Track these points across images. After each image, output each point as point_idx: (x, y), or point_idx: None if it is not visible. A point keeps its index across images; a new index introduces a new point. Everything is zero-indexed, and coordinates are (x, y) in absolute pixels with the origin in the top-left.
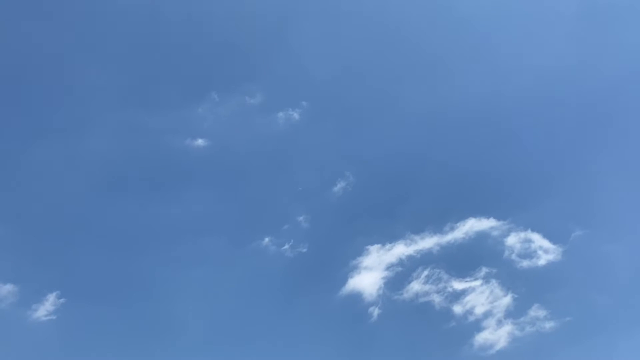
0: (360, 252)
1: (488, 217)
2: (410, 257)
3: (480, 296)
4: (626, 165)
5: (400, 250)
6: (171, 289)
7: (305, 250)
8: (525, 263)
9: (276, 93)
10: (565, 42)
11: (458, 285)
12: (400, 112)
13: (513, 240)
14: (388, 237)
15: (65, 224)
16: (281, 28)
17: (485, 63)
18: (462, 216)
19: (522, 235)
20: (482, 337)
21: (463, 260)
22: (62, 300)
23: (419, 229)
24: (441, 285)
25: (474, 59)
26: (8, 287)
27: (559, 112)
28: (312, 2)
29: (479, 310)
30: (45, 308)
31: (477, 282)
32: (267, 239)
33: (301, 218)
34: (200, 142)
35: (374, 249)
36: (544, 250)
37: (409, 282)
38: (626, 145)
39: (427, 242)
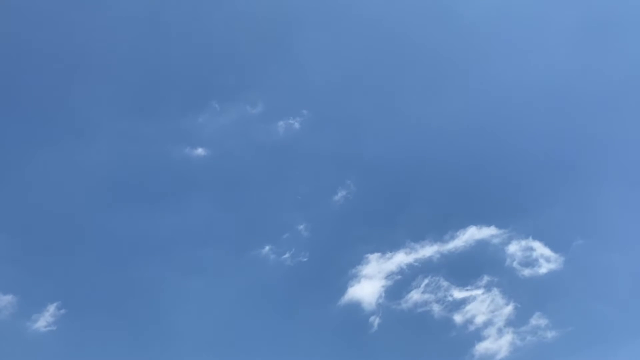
0: (360, 260)
1: (489, 225)
2: (410, 266)
3: (481, 305)
4: (628, 174)
5: (401, 258)
6: (172, 298)
7: (305, 259)
8: (526, 271)
9: (277, 102)
10: (567, 49)
11: (459, 294)
12: (401, 120)
13: (514, 248)
14: (388, 246)
15: (65, 234)
16: (282, 37)
17: (485, 71)
18: (463, 224)
19: (523, 243)
20: (483, 347)
21: (464, 268)
22: (62, 311)
23: (419, 237)
24: (442, 294)
25: (474, 67)
26: (8, 298)
27: (560, 120)
28: (312, 11)
29: (480, 320)
30: (45, 319)
31: (479, 291)
32: (267, 248)
33: (301, 227)
34: (200, 151)
35: (373, 257)
36: (545, 259)
37: (409, 291)
38: (628, 154)
39: (428, 251)
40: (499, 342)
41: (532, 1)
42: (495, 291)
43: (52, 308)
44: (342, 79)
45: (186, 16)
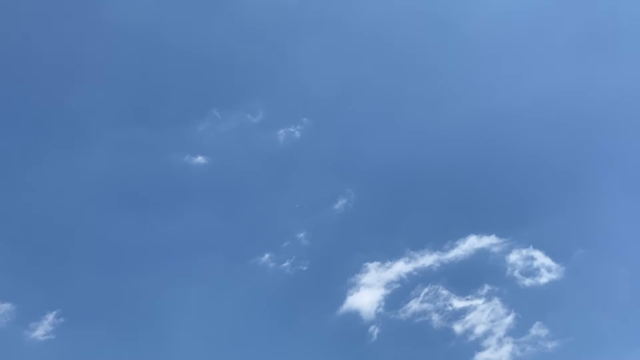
0: (359, 269)
1: (489, 234)
2: (410, 275)
3: (481, 315)
4: (629, 184)
5: (400, 267)
6: (171, 307)
7: (305, 267)
8: (527, 281)
9: (277, 110)
10: (570, 59)
11: (459, 303)
12: (402, 128)
13: (515, 257)
14: (388, 255)
15: (65, 242)
16: (283, 45)
17: (486, 80)
18: (463, 233)
19: (524, 252)
20: (482, 357)
21: (464, 278)
22: (61, 319)
23: (419, 246)
24: (441, 304)
25: (475, 76)
26: (6, 306)
27: (561, 129)
28: (313, 20)
29: (480, 330)
30: (44, 327)
31: (479, 301)
32: (267, 256)
33: (301, 235)
34: (200, 159)
35: (373, 266)
36: (547, 269)
37: (409, 301)
38: (630, 163)
39: (428, 260)
40: (499, 353)
41: (534, 10)
42: (496, 301)
43: (50, 317)
44: (343, 87)
45: (187, 24)
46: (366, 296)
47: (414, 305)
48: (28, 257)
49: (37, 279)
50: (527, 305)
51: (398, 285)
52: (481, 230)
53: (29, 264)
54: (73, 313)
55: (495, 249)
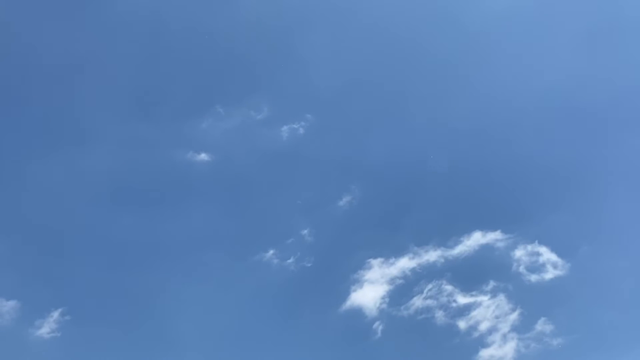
0: (362, 265)
1: (494, 230)
2: (414, 271)
3: (486, 311)
4: (634, 181)
5: (404, 264)
6: (176, 303)
7: (309, 264)
8: (533, 277)
9: (281, 107)
10: (574, 55)
11: (463, 299)
12: (405, 124)
13: (520, 253)
14: (392, 251)
15: (70, 239)
16: (287, 42)
17: (491, 76)
18: (468, 229)
19: (530, 248)
20: (487, 354)
21: (469, 274)
22: (66, 317)
23: (423, 242)
24: (445, 300)
25: (480, 72)
26: (11, 303)
27: (568, 126)
28: (318, 15)
29: (484, 326)
30: (49, 325)
31: (484, 297)
32: (271, 252)
33: (305, 232)
34: (203, 155)
35: (376, 262)
36: (552, 264)
37: (413, 297)
38: (635, 160)
39: (432, 256)
40: (503, 349)
41: (539, 6)
42: (501, 297)
43: (56, 314)
44: (346, 83)
45: (190, 20)
46: (370, 292)
47: (418, 302)
48: (33, 254)
49: (42, 276)
50: (532, 301)
51: (402, 282)
52: (486, 225)
53: (34, 262)
54: (78, 311)
55: (501, 245)
